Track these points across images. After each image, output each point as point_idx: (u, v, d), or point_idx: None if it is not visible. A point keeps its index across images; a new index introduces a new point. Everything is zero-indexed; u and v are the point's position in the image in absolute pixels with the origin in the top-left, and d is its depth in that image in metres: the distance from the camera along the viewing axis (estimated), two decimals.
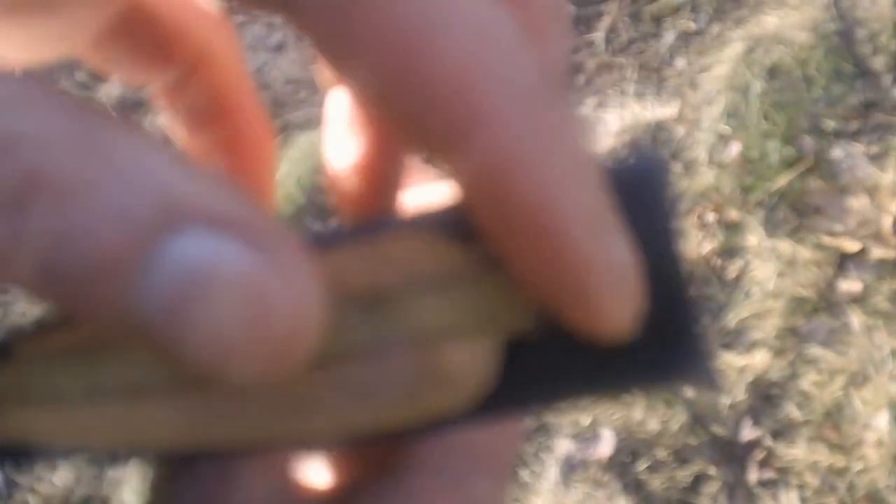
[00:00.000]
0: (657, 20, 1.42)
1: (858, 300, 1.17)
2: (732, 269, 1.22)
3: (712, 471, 1.13)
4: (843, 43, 1.30)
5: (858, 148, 1.25)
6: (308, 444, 0.14)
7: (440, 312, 0.14)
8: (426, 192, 0.19)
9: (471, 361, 0.14)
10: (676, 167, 1.30)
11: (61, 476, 1.33)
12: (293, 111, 1.51)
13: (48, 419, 0.13)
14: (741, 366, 1.17)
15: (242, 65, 0.20)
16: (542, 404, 0.15)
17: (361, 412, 0.14)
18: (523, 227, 0.13)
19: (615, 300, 0.14)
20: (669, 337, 0.14)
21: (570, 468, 1.17)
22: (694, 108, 1.33)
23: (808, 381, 1.15)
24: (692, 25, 1.40)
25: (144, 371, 0.13)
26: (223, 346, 0.11)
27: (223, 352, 0.11)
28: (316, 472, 0.18)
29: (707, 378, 0.14)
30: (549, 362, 0.14)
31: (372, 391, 0.14)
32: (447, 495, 0.16)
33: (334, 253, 0.14)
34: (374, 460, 0.17)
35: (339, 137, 0.19)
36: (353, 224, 0.16)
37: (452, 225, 0.14)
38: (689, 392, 1.17)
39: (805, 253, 1.20)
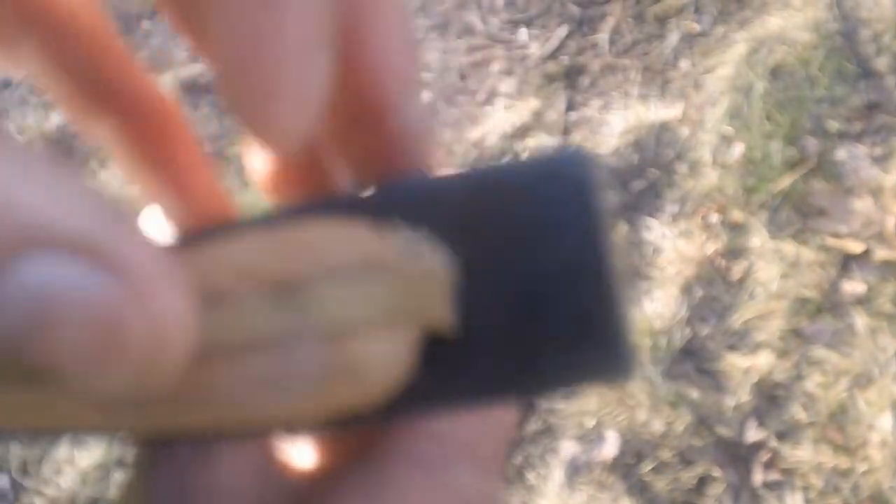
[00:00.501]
0: (661, 21, 1.42)
1: (862, 301, 1.17)
2: (736, 271, 1.22)
3: (717, 472, 1.13)
4: (847, 43, 1.30)
5: (862, 149, 1.25)
6: (221, 434, 0.14)
7: (353, 303, 0.13)
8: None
9: (383, 356, 0.13)
10: (681, 168, 1.29)
11: (67, 478, 1.33)
12: None
13: None
14: (745, 367, 1.17)
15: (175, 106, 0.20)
16: (462, 403, 0.14)
17: (269, 404, 0.13)
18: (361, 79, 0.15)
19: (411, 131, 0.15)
20: (592, 333, 0.14)
21: (575, 470, 1.17)
22: (697, 109, 1.33)
23: (812, 382, 1.15)
24: (696, 27, 1.40)
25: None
26: (80, 366, 0.11)
27: (81, 371, 0.11)
28: (299, 454, 0.18)
29: (627, 373, 0.14)
30: (470, 360, 0.14)
31: (279, 383, 0.13)
32: (428, 485, 0.16)
33: (245, 241, 0.13)
34: (358, 443, 0.17)
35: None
36: (273, 210, 0.16)
37: (371, 212, 0.14)
38: (693, 394, 1.17)
39: (809, 254, 1.20)
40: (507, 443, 0.18)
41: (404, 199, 0.14)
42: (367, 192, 0.14)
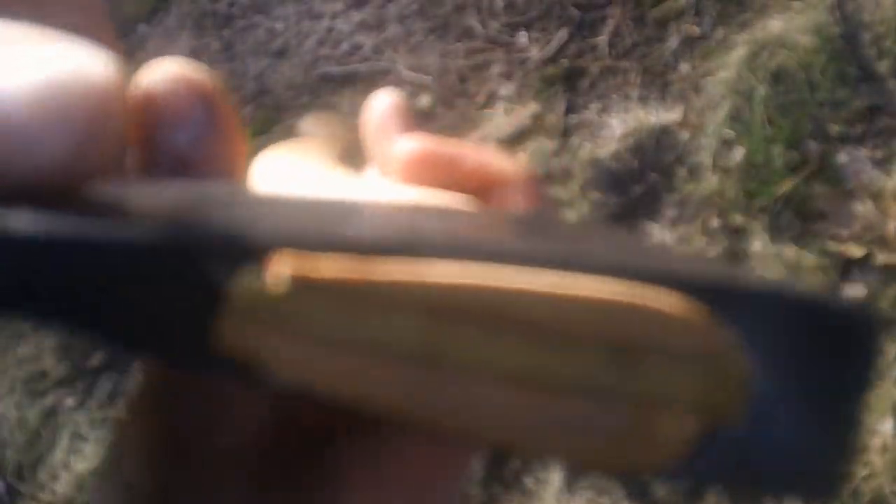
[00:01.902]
0: (661, 24, 1.41)
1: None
2: None
3: None
4: (848, 47, 1.30)
5: (863, 152, 1.25)
6: (501, 449, 0.15)
7: (674, 383, 0.14)
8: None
9: (677, 435, 0.14)
10: (681, 172, 1.29)
11: (62, 483, 1.33)
12: (295, 116, 1.51)
13: (286, 348, 0.13)
14: None
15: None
16: (705, 485, 0.16)
17: (565, 443, 0.14)
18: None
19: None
20: (820, 462, 0.15)
21: (575, 474, 1.17)
22: (698, 113, 1.33)
23: None
24: (696, 30, 1.39)
25: (398, 335, 0.14)
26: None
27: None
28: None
29: (829, 494, 0.15)
30: (725, 455, 0.15)
31: (582, 429, 0.14)
32: (427, 461, 0.17)
33: (590, 287, 0.14)
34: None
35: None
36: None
37: (701, 296, 0.14)
38: None
39: (810, 258, 1.19)
40: (467, 471, 0.19)
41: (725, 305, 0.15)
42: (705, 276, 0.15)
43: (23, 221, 0.13)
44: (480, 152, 0.22)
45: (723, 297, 0.14)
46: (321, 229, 0.15)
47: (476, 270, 0.14)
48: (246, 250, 0.14)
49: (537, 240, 0.16)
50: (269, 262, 0.13)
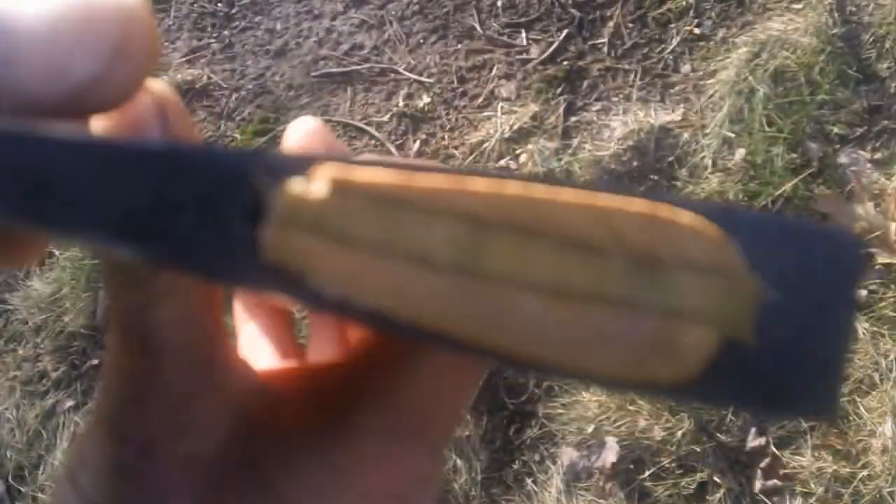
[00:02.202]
0: (662, 25, 1.41)
1: (864, 307, 1.17)
2: None
3: (717, 479, 1.13)
4: (848, 47, 1.30)
5: (863, 153, 1.24)
6: (530, 365, 0.15)
7: (696, 295, 0.15)
8: None
9: (699, 346, 0.15)
10: (682, 173, 1.29)
11: None
12: (295, 116, 1.50)
13: (331, 257, 0.14)
14: None
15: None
16: (719, 404, 0.17)
17: (593, 355, 0.15)
18: None
19: None
20: (820, 375, 0.17)
21: (575, 477, 1.17)
22: (699, 114, 1.33)
23: None
24: (697, 30, 1.39)
25: (438, 245, 0.14)
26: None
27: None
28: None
29: (831, 411, 0.17)
30: (737, 372, 0.16)
31: (611, 339, 0.15)
32: (386, 462, 0.18)
33: (619, 202, 0.15)
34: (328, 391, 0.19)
35: None
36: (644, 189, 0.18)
37: (718, 217, 0.16)
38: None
39: None
40: (455, 425, 0.19)
41: (729, 221, 0.16)
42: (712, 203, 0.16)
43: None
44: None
45: (730, 218, 0.16)
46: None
47: (514, 184, 0.14)
48: (289, 161, 0.14)
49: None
50: (311, 172, 0.14)
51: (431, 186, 0.14)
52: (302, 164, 0.14)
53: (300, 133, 0.22)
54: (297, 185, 0.14)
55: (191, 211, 0.13)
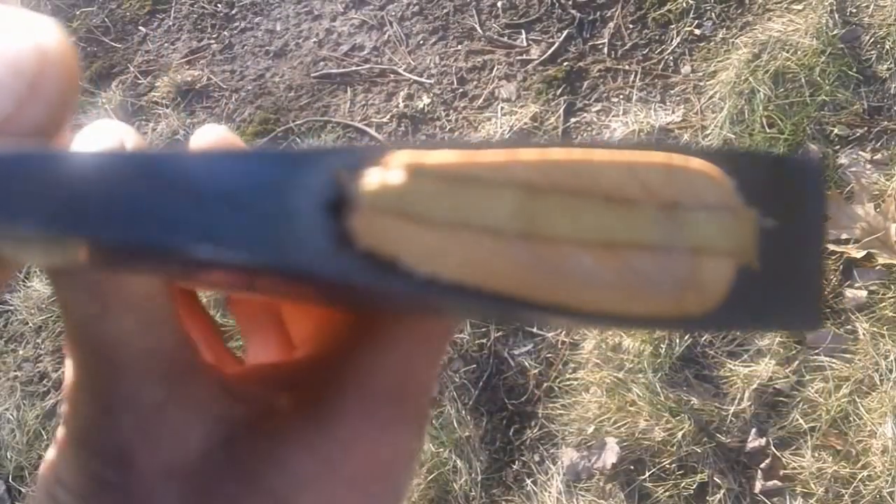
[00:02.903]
0: (662, 26, 1.41)
1: (864, 308, 1.17)
2: None
3: (717, 479, 1.13)
4: (848, 49, 1.30)
5: (864, 154, 1.24)
6: (589, 316, 0.17)
7: (713, 231, 0.17)
8: None
9: (723, 275, 0.17)
10: None
11: None
12: (295, 118, 1.50)
13: (417, 237, 0.15)
14: (746, 374, 1.17)
15: None
16: (737, 327, 0.19)
17: (641, 297, 0.16)
18: None
19: None
20: (806, 289, 0.19)
21: (575, 477, 1.17)
22: (699, 114, 1.33)
23: (813, 389, 1.14)
24: (697, 31, 1.39)
25: (505, 214, 0.15)
26: None
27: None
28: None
29: (817, 322, 0.19)
30: (747, 295, 0.18)
31: (651, 280, 0.16)
32: (371, 443, 0.18)
33: (642, 156, 0.17)
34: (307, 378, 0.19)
35: None
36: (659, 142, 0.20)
37: (718, 160, 0.17)
38: (694, 401, 1.16)
39: None
40: (429, 397, 0.20)
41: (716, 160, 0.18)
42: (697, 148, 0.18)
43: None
44: None
45: (727, 159, 0.17)
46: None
47: (556, 150, 0.16)
48: (363, 153, 0.15)
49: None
50: (385, 161, 0.15)
51: (490, 161, 0.15)
52: (375, 155, 0.15)
53: (205, 141, 0.23)
54: (375, 174, 0.15)
55: (281, 215, 0.14)
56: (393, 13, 1.54)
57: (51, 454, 0.19)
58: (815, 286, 0.19)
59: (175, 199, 0.13)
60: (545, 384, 1.22)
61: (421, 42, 1.50)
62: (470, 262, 0.15)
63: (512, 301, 0.16)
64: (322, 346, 0.22)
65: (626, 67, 1.39)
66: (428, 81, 1.46)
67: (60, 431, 0.19)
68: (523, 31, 1.46)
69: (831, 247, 1.20)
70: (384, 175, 0.15)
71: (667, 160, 0.17)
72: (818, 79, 1.28)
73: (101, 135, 0.17)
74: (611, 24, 1.43)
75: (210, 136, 0.22)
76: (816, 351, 1.16)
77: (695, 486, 1.13)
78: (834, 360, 1.15)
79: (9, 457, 1.37)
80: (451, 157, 0.15)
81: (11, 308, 1.48)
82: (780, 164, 0.19)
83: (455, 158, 0.15)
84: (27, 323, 1.47)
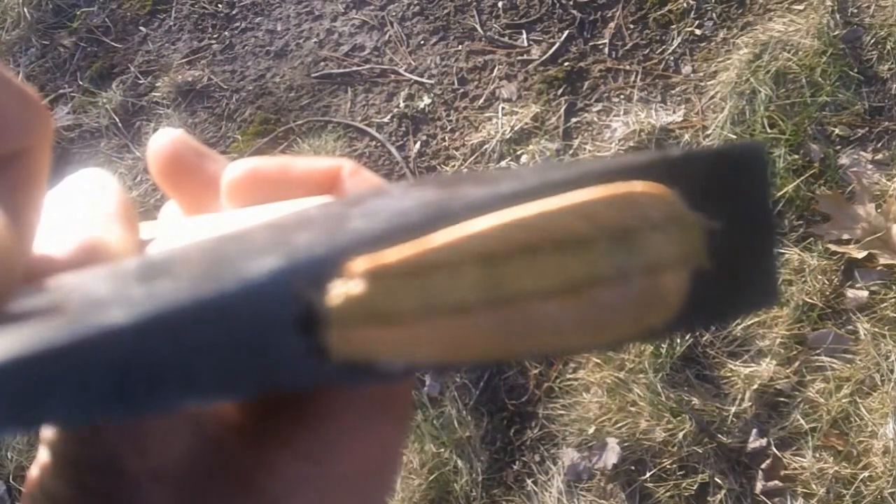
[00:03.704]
0: (663, 26, 1.41)
1: (865, 308, 1.17)
2: None
3: (718, 480, 1.13)
4: (849, 49, 1.30)
5: (865, 155, 1.24)
6: (559, 353, 0.18)
7: (664, 247, 0.17)
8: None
9: (678, 285, 0.18)
10: None
11: None
12: (296, 118, 1.50)
13: (388, 336, 0.15)
14: (747, 374, 1.16)
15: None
16: (703, 323, 0.19)
17: (606, 327, 0.17)
18: None
19: None
20: (762, 270, 0.20)
21: (576, 478, 1.17)
22: (700, 115, 1.33)
23: (814, 389, 1.14)
24: (698, 31, 1.39)
25: (467, 289, 0.16)
26: None
27: None
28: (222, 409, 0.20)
29: (775, 297, 0.20)
30: (704, 293, 0.18)
31: (614, 308, 0.17)
32: (359, 443, 0.19)
33: (585, 194, 0.17)
34: (276, 403, 0.19)
35: None
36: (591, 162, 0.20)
37: (658, 174, 0.18)
38: (694, 401, 1.16)
39: (812, 261, 1.19)
40: (413, 391, 0.20)
41: (657, 168, 0.18)
42: (632, 160, 0.19)
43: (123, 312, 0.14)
44: (300, 159, 0.24)
45: (666, 169, 0.18)
46: (349, 236, 0.16)
47: (504, 213, 0.16)
48: (321, 267, 0.15)
49: (486, 185, 0.18)
50: (344, 271, 0.15)
51: (443, 242, 0.16)
52: (332, 266, 0.15)
53: (161, 145, 0.23)
54: (338, 288, 0.15)
55: (257, 345, 0.15)
56: (394, 13, 1.54)
57: (34, 472, 0.19)
58: (770, 265, 0.20)
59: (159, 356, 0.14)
60: (546, 384, 1.22)
61: (422, 42, 1.50)
62: (443, 342, 0.16)
63: (486, 361, 0.17)
64: None
65: (627, 67, 1.39)
66: (429, 81, 1.46)
67: (43, 453, 0.19)
68: (524, 32, 1.46)
69: (832, 247, 1.20)
70: (346, 287, 0.15)
71: (609, 192, 0.17)
72: (819, 79, 1.28)
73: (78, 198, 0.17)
74: (611, 25, 1.44)
75: (164, 141, 0.23)
76: (817, 351, 1.16)
77: (696, 487, 1.13)
78: (835, 361, 1.15)
79: (9, 457, 1.37)
80: (406, 251, 0.16)
81: None
82: (720, 156, 0.19)
83: (410, 251, 0.16)
84: None
